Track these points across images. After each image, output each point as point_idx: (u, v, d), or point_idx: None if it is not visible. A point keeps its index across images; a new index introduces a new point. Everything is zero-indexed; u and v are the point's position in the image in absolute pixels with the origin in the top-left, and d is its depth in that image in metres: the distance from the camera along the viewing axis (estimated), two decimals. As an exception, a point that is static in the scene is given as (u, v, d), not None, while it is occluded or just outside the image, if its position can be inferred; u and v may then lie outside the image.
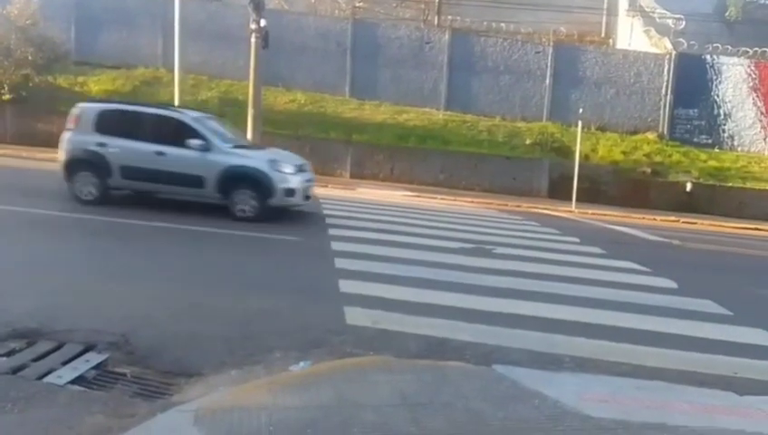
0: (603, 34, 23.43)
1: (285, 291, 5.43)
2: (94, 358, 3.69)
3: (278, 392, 3.25)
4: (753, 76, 19.73)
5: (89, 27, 19.45)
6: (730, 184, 17.48)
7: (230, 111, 17.58)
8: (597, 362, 4.18)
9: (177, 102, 15.42)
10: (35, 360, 3.60)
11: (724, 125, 19.90)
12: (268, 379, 3.50)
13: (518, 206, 14.63)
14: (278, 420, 2.88)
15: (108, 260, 6.11)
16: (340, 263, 6.32)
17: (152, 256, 6.46)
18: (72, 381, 3.41)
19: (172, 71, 16.18)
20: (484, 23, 21.02)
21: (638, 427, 3.13)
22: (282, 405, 3.08)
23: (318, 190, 13.69)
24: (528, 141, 18.29)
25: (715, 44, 20.29)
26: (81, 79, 18.39)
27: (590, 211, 14.79)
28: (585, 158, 17.06)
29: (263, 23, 14.72)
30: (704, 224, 14.82)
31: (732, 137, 19.90)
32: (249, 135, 15.41)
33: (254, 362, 3.77)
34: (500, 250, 7.96)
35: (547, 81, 19.70)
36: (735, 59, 19.84)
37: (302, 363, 3.76)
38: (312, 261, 6.62)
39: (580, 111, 16.24)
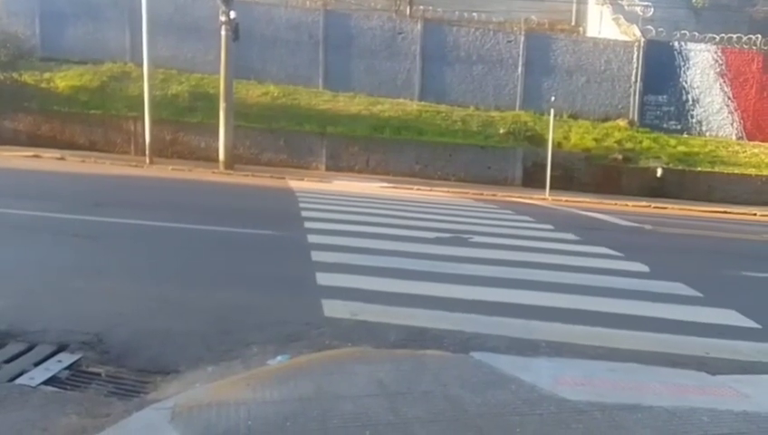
0: (574, 22, 23.65)
1: (262, 285, 5.39)
2: (67, 358, 3.62)
3: (256, 387, 3.22)
4: (720, 62, 20.12)
5: (54, 22, 18.96)
6: (699, 169, 17.86)
7: (201, 105, 17.39)
8: (573, 347, 4.24)
9: (146, 97, 15.16)
10: (6, 362, 3.51)
11: (693, 111, 20.29)
12: (246, 374, 3.47)
13: (493, 195, 14.74)
14: (257, 415, 2.86)
15: (80, 259, 5.99)
16: (317, 255, 6.29)
17: (126, 253, 6.36)
18: (45, 383, 3.34)
19: (141, 65, 15.88)
20: (456, 12, 21.04)
21: (613, 408, 3.18)
22: (260, 399, 3.06)
23: (293, 183, 13.63)
24: (502, 131, 18.42)
25: (682, 31, 20.62)
26: (47, 75, 17.94)
27: (563, 198, 14.97)
28: (558, 146, 17.25)
29: (232, 14, 14.56)
30: (674, 208, 15.12)
31: (700, 122, 20.30)
32: (221, 129, 15.27)
33: (231, 357, 3.74)
34: (476, 239, 8.01)
35: (519, 69, 19.83)
36: (703, 45, 20.21)
37: (279, 357, 3.74)
38: (289, 254, 6.59)
39: (552, 99, 16.42)
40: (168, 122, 16.41)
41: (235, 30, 14.90)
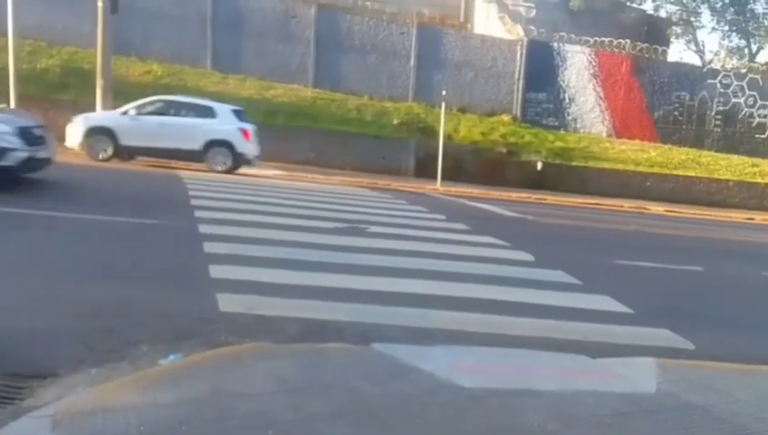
0: (462, 18, 24.42)
1: (150, 279, 5.08)
2: None
3: (147, 389, 3.04)
4: (594, 64, 21.69)
5: None
6: (574, 163, 19.20)
7: (75, 81, 16.09)
8: (466, 334, 4.39)
9: (11, 71, 13.73)
10: None
11: (569, 109, 21.75)
12: (134, 375, 3.26)
13: (387, 184, 14.95)
14: (149, 420, 2.69)
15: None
16: (210, 247, 6.03)
17: (-12, 244, 5.73)
18: None
19: (5, 35, 14.34)
20: (350, 0, 20.98)
21: (506, 394, 3.35)
22: (151, 403, 2.88)
23: (181, 171, 12.98)
24: (396, 121, 18.70)
25: (561, 33, 21.95)
26: None
27: (453, 189, 15.50)
28: (448, 138, 17.79)
29: (111, -15, 13.54)
30: (552, 199, 16.18)
31: (575, 120, 21.81)
32: (98, 108, 14.22)
33: (117, 358, 3.48)
34: (373, 229, 8.08)
35: (412, 61, 20.18)
36: (578, 47, 21.67)
37: (171, 356, 3.55)
38: (178, 246, 6.26)
39: (443, 92, 16.89)
40: (36, 99, 14.97)
41: (112, 1, 13.88)
